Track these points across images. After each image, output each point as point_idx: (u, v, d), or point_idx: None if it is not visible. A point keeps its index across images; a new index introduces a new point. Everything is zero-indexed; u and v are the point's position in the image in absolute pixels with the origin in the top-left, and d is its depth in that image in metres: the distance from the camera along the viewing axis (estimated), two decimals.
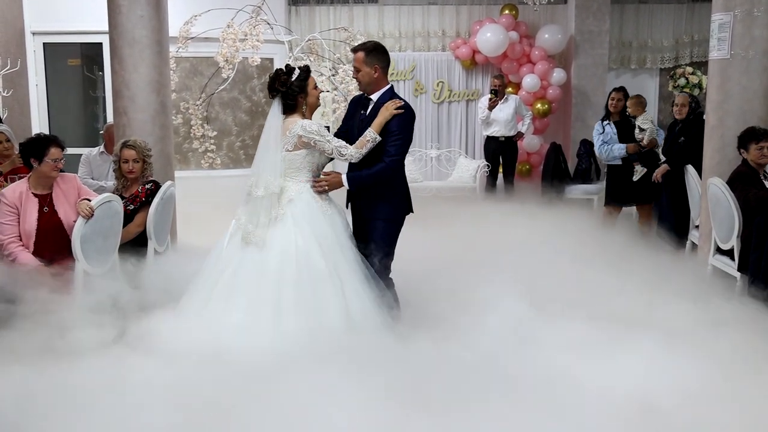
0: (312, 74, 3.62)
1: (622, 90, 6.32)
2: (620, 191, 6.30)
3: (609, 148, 6.18)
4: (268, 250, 3.40)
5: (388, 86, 3.69)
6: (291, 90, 3.52)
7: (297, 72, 3.54)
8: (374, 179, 3.59)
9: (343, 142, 3.54)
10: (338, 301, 3.34)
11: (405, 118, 3.57)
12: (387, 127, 3.53)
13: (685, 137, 5.72)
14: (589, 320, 3.54)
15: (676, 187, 5.72)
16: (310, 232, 3.42)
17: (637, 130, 6.26)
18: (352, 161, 3.56)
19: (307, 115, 3.61)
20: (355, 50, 3.69)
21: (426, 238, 5.26)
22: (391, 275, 3.71)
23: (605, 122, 6.27)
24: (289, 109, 3.56)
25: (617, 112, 6.27)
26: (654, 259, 4.93)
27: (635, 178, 6.16)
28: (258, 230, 3.42)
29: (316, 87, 3.63)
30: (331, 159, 3.64)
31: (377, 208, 3.66)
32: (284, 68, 3.59)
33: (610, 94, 6.33)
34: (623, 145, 6.15)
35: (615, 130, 6.21)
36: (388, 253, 3.67)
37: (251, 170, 3.59)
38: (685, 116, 5.81)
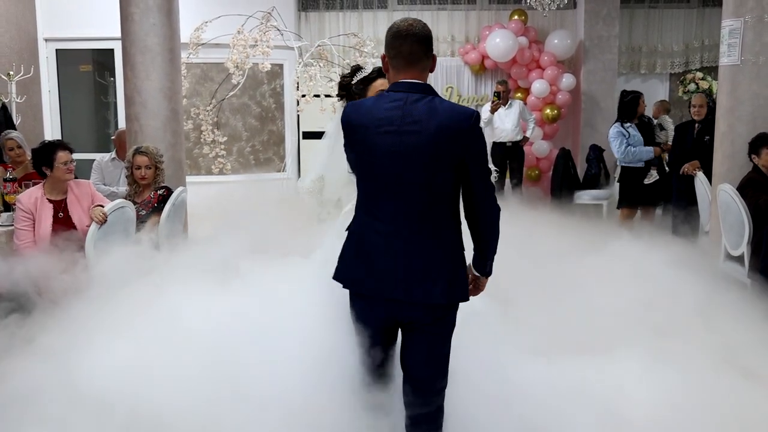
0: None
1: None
2: (635, 193, 6.25)
3: (637, 150, 6.05)
4: None
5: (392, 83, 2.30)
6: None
7: (362, 73, 3.13)
8: None
9: None
10: None
11: None
12: None
13: (710, 136, 5.69)
14: None
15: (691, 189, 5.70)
16: None
17: (658, 129, 6.30)
18: None
19: None
20: None
21: None
22: None
23: (627, 125, 6.10)
24: None
25: (639, 115, 6.21)
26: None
27: (648, 181, 6.15)
28: None
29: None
30: None
31: None
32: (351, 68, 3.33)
33: (641, 97, 6.14)
34: (651, 149, 6.10)
35: (638, 133, 6.16)
36: None
37: None
38: (704, 116, 5.81)
